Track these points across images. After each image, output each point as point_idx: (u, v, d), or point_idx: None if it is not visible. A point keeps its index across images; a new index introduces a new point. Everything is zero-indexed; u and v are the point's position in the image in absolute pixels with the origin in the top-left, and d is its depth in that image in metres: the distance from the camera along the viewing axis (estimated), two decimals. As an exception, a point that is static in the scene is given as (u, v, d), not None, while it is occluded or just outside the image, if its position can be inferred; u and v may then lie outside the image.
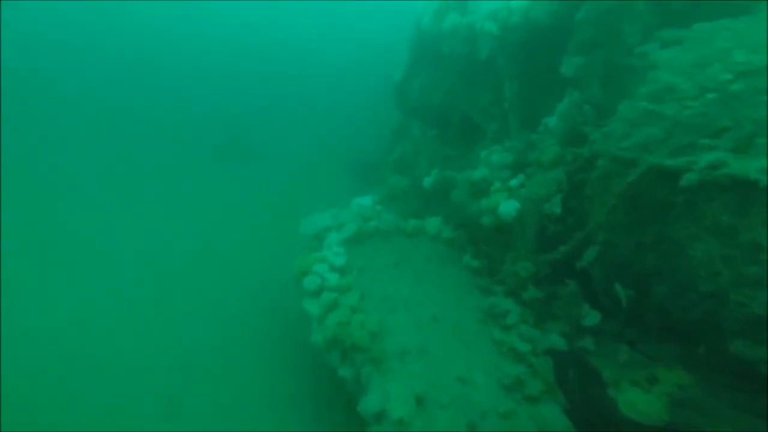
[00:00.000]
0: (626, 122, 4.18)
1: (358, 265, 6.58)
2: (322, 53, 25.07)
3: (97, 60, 23.14)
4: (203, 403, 6.56)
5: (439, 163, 8.20)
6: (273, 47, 25.29)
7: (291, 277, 6.56)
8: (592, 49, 5.47)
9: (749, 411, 3.59)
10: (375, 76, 15.19)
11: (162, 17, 25.79)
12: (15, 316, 7.82)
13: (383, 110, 12.96)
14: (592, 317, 4.79)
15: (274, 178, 15.37)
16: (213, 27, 26.43)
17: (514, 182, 5.84)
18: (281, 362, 7.31)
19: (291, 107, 21.47)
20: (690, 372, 3.90)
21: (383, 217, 7.56)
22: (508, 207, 5.54)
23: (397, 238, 7.35)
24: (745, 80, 3.62)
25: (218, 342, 7.71)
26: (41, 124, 17.26)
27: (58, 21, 24.25)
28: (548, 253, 5.14)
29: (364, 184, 12.14)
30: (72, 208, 12.09)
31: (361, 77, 19.53)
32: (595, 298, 4.87)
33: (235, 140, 17.56)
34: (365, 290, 6.08)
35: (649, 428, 3.91)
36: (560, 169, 5.04)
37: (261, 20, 26.90)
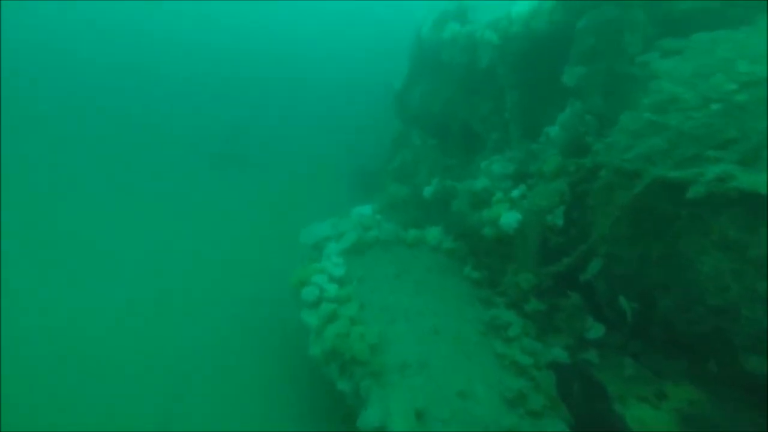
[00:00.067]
0: (629, 133, 4.14)
1: (358, 275, 6.51)
2: (321, 60, 25.18)
3: (95, 66, 23.21)
4: (197, 414, 6.47)
5: (440, 172, 8.16)
6: (271, 55, 25.37)
7: (289, 287, 6.49)
8: (593, 58, 5.44)
9: (763, 427, 3.50)
10: (375, 83, 15.23)
11: (161, 23, 25.93)
12: (15, 316, 7.84)
13: (383, 117, 12.97)
14: (596, 330, 4.71)
15: (273, 185, 15.33)
16: (213, 34, 26.55)
17: (515, 193, 5.79)
18: (278, 374, 7.20)
19: (290, 115, 21.50)
20: (699, 387, 3.81)
21: (383, 226, 7.50)
22: (510, 218, 5.48)
23: (398, 248, 7.28)
24: (750, 91, 3.57)
25: (214, 352, 7.61)
26: (41, 129, 17.29)
27: (58, 26, 24.35)
28: (550, 265, 5.07)
29: (363, 192, 12.12)
30: (71, 211, 12.12)
31: (361, 84, 19.59)
32: (598, 311, 4.80)
33: (233, 147, 17.53)
34: (365, 301, 6.00)
35: None
36: (562, 180, 4.98)
37: (260, 28, 27.05)
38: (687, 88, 3.99)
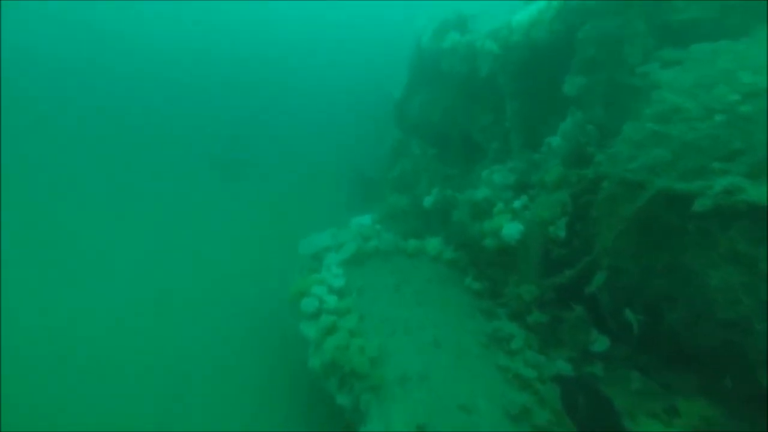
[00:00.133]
0: (632, 143, 4.10)
1: (358, 286, 6.45)
2: (321, 68, 25.24)
3: (95, 69, 23.25)
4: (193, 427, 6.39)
5: (440, 182, 8.12)
6: (271, 62, 25.45)
7: (288, 297, 6.43)
8: (593, 68, 5.44)
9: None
10: (375, 90, 15.26)
11: (162, 29, 26.04)
12: (15, 316, 7.94)
13: (383, 125, 12.97)
14: (600, 343, 4.64)
15: (272, 191, 15.34)
16: (215, 40, 26.63)
17: (517, 204, 5.74)
18: (276, 387, 7.09)
19: (289, 121, 21.54)
20: (713, 403, 3.70)
21: (383, 236, 7.45)
22: (512, 230, 5.42)
23: (397, 258, 7.23)
24: (753, 102, 3.54)
25: (210, 358, 7.57)
26: (41, 130, 17.41)
27: (58, 30, 24.43)
28: (553, 277, 5.01)
29: (363, 199, 12.10)
30: (71, 213, 12.29)
31: (360, 91, 19.63)
32: (602, 323, 4.72)
33: (233, 154, 17.53)
34: (365, 312, 5.93)
35: None
36: (565, 191, 4.94)
37: (261, 35, 27.14)
38: (689, 99, 3.96)
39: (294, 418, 6.50)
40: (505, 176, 6.27)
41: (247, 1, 26.51)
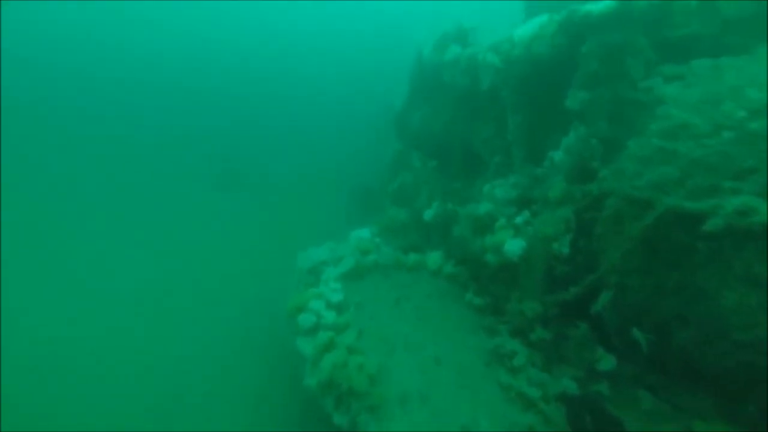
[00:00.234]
0: (638, 160, 4.03)
1: (356, 301, 6.32)
2: (322, 78, 25.37)
3: (95, 77, 23.34)
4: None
5: (440, 195, 8.03)
6: (272, 71, 25.58)
7: (285, 312, 6.29)
8: (596, 83, 5.39)
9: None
10: (376, 100, 15.31)
11: (162, 42, 26.14)
12: (16, 318, 8.07)
13: (384, 135, 12.97)
14: (607, 362, 4.52)
15: (272, 202, 15.33)
16: (215, 49, 26.77)
17: (519, 219, 5.65)
18: (271, 405, 6.92)
19: (289, 131, 21.57)
20: (732, 426, 3.57)
21: (382, 250, 7.34)
22: (514, 246, 5.32)
23: (397, 272, 7.11)
24: (762, 119, 3.49)
25: (205, 376, 7.44)
26: (42, 135, 17.53)
27: (58, 33, 24.52)
28: (556, 294, 4.90)
29: (362, 211, 12.03)
30: (71, 218, 12.53)
31: (362, 101, 19.70)
32: (608, 341, 4.61)
33: (232, 167, 17.50)
34: (363, 328, 5.81)
35: None
36: (568, 207, 4.86)
37: (261, 45, 27.31)
38: (696, 115, 3.90)
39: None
40: (507, 191, 6.19)
41: (249, 12, 26.72)
